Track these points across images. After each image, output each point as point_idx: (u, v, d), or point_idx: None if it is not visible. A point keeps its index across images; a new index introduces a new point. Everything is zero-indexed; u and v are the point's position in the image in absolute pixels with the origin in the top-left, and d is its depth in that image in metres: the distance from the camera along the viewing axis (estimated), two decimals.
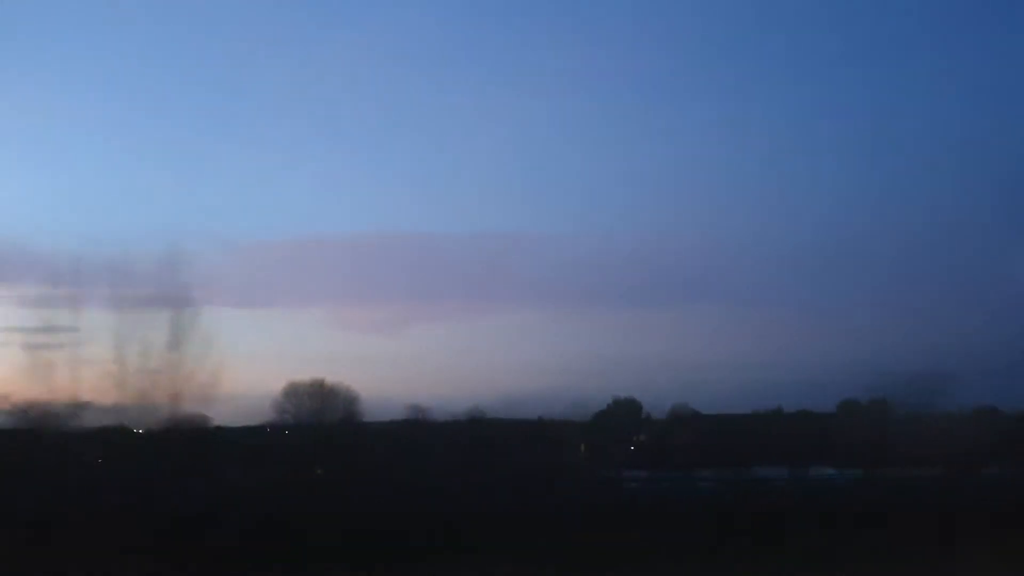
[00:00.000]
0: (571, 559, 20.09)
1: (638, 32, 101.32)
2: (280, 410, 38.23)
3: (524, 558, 20.17)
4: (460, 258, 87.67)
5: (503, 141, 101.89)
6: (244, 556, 20.38)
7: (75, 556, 19.84)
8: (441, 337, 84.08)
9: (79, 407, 31.90)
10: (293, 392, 38.93)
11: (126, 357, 31.49)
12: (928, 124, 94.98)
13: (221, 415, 38.15)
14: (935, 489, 30.30)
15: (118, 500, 23.75)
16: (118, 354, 31.76)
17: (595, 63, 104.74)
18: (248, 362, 68.57)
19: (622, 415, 61.66)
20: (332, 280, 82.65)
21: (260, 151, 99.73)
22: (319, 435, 35.20)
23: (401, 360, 74.65)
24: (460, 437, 38.18)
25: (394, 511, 23.96)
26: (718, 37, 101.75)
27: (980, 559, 19.25)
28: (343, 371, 76.85)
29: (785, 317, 77.42)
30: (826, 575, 19.59)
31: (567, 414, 47.07)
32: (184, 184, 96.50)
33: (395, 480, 28.13)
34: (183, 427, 32.02)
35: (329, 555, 20.56)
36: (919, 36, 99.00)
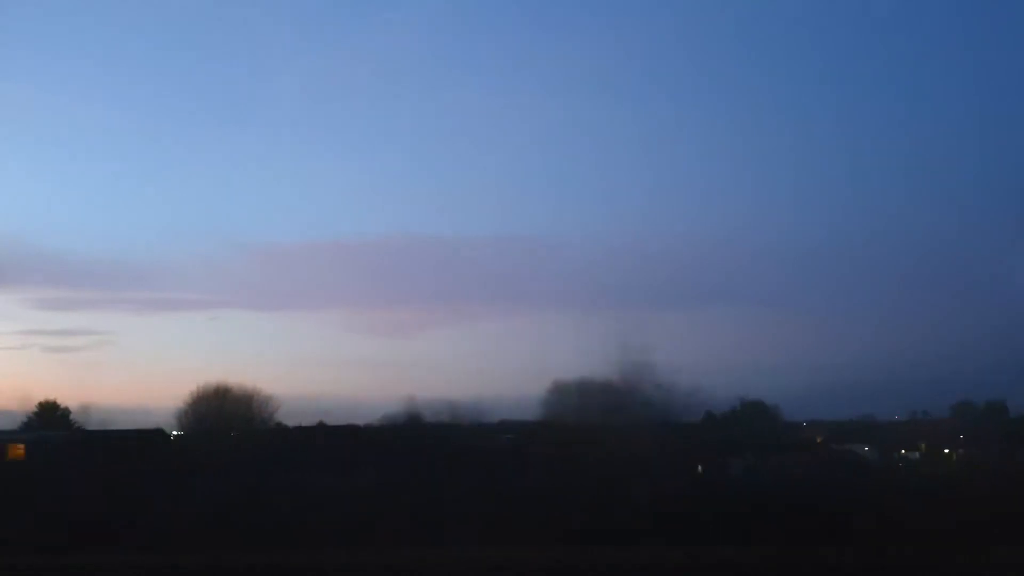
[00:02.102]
0: None
1: (660, 37, 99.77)
2: (546, 407, 39.69)
3: None
4: (480, 261, 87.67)
5: (523, 145, 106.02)
6: None
7: None
8: (459, 339, 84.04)
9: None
10: (558, 389, 40.03)
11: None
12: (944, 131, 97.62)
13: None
14: None
15: None
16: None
17: (617, 67, 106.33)
18: (263, 365, 71.12)
19: (753, 417, 60.08)
20: (351, 283, 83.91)
21: (278, 155, 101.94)
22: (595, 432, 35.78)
23: (417, 362, 77.59)
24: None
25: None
26: (741, 43, 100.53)
27: None
28: (359, 374, 79.29)
29: (805, 320, 75.00)
30: None
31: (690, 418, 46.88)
32: (202, 188, 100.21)
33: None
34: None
35: None
36: (924, 45, 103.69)
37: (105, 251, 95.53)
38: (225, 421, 40.68)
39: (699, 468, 38.63)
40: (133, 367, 67.53)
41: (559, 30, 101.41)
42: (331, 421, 46.38)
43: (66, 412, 55.50)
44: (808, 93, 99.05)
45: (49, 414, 54.99)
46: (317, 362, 76.87)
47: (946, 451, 45.30)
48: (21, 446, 37.39)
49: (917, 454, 48.61)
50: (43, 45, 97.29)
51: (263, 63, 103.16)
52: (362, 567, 21.16)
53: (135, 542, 22.78)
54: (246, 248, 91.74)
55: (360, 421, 46.85)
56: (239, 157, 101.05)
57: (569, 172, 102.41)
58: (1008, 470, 34.74)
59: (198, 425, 40.90)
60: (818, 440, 57.11)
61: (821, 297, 78.43)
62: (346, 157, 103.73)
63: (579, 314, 75.92)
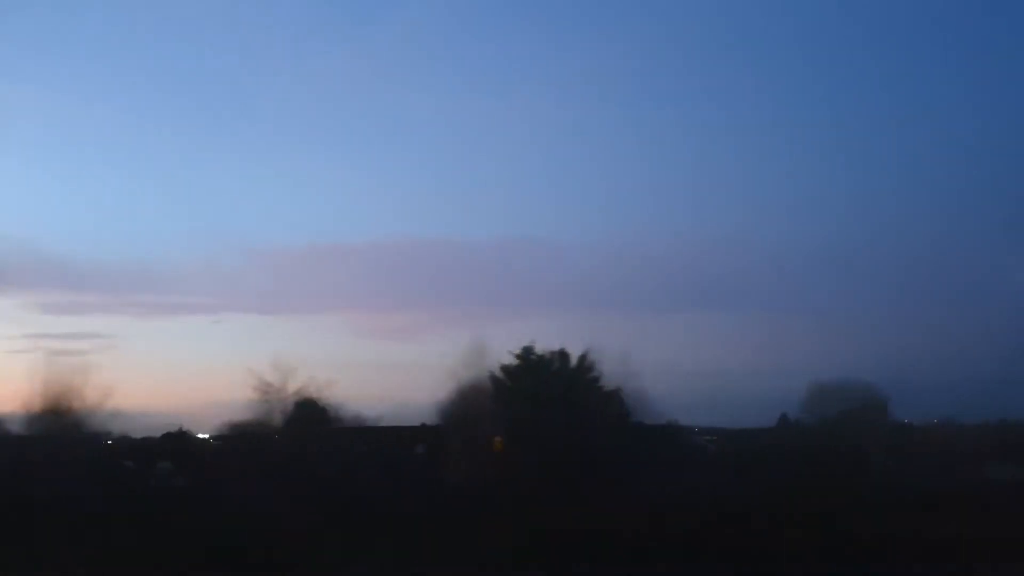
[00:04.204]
0: None
1: (661, 37, 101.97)
2: (807, 410, 39.37)
3: None
4: (480, 264, 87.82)
5: (522, 146, 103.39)
6: None
7: None
8: (460, 343, 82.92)
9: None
10: (820, 393, 40.60)
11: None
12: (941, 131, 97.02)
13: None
14: None
15: None
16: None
17: (617, 68, 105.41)
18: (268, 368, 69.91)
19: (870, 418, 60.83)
20: (351, 286, 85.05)
21: (282, 158, 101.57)
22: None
23: (420, 366, 74.96)
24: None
25: None
26: (740, 43, 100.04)
27: None
28: (362, 377, 77.96)
29: (802, 324, 76.39)
30: None
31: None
32: (205, 193, 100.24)
33: None
34: None
35: None
36: (925, 48, 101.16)
37: (109, 255, 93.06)
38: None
39: None
40: (138, 371, 66.57)
41: (560, 31, 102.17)
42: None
43: None
44: (809, 96, 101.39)
45: None
46: (322, 365, 74.30)
47: None
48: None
49: None
50: (46, 47, 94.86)
51: (266, 66, 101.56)
52: None
53: None
54: (250, 252, 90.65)
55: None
56: (243, 160, 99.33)
57: (571, 174, 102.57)
58: None
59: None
60: None
61: (826, 299, 79.43)
62: (349, 160, 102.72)
63: (583, 316, 76.04)
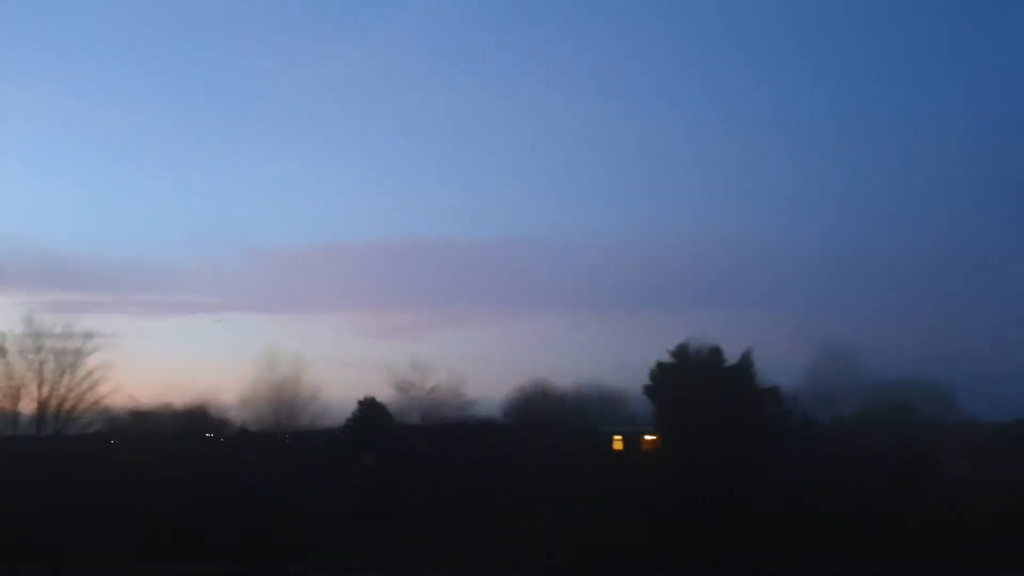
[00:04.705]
0: None
1: (663, 36, 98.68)
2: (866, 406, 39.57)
3: None
4: (483, 264, 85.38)
5: (524, 146, 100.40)
6: None
7: None
8: (462, 342, 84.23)
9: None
10: (878, 388, 39.96)
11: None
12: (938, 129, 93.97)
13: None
14: None
15: None
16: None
17: (620, 67, 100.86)
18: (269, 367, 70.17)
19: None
20: (354, 286, 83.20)
21: (281, 158, 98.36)
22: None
23: (423, 364, 74.43)
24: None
25: None
26: (742, 43, 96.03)
27: None
28: (365, 376, 75.51)
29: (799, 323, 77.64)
30: None
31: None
32: (207, 192, 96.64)
33: None
34: None
35: None
36: (924, 46, 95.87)
37: (110, 254, 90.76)
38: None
39: None
40: (141, 370, 64.21)
41: (563, 31, 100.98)
42: None
43: None
44: (809, 96, 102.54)
45: None
46: (325, 364, 73.17)
47: None
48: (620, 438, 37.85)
49: None
50: (50, 45, 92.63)
51: (267, 65, 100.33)
52: None
53: None
54: (252, 251, 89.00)
55: None
56: (244, 160, 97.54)
57: (572, 173, 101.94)
58: None
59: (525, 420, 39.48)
60: None
61: (827, 299, 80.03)
62: (350, 159, 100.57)
63: (584, 316, 75.51)
